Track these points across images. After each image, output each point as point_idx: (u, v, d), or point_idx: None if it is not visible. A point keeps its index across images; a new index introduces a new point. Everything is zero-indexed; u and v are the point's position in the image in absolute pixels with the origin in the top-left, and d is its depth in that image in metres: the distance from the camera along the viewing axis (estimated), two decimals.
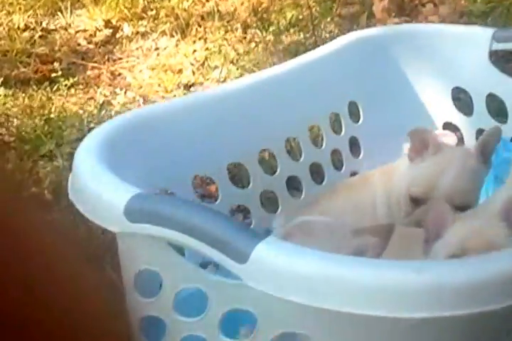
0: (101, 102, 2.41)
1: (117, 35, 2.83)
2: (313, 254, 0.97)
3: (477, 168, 1.55)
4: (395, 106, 1.91)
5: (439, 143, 1.57)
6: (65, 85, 2.49)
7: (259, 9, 2.88)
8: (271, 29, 2.76)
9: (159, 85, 2.52)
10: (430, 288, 0.94)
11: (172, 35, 2.79)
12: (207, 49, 2.71)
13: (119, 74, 2.62)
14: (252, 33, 2.77)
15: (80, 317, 0.35)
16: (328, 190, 1.72)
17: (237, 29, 2.78)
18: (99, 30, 2.84)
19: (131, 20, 2.88)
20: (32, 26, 2.82)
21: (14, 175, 0.43)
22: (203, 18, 2.87)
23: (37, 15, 2.87)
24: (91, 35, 2.83)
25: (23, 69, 2.59)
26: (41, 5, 2.92)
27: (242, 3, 2.92)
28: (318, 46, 2.67)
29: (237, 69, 2.57)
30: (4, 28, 2.79)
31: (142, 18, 2.91)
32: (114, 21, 2.87)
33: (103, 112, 2.33)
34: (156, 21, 2.88)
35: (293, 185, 1.79)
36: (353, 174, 1.88)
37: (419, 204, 1.52)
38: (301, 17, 2.85)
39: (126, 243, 1.13)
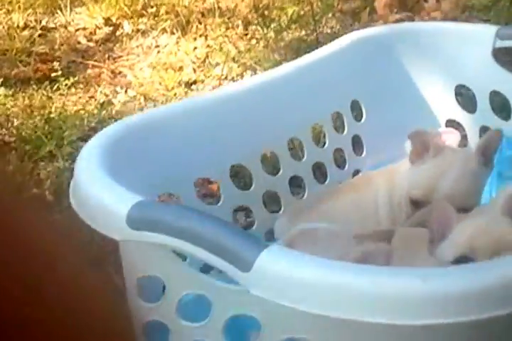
0: (101, 101, 2.40)
1: (117, 33, 2.81)
2: (317, 262, 0.96)
3: (478, 170, 1.54)
4: (398, 104, 1.90)
5: (440, 145, 1.56)
6: (65, 85, 2.48)
7: (260, 6, 2.86)
8: (272, 26, 2.74)
9: (160, 83, 2.50)
10: (435, 295, 0.93)
11: (172, 33, 2.78)
12: (208, 46, 2.69)
13: (120, 73, 2.61)
14: (253, 29, 2.75)
15: (82, 317, 0.35)
16: (330, 190, 1.72)
17: (238, 26, 2.77)
18: (99, 28, 2.82)
19: (132, 17, 2.87)
20: (31, 25, 2.81)
21: (15, 176, 0.42)
22: (203, 14, 2.85)
23: (36, 13, 2.86)
24: (91, 33, 2.81)
25: (22, 69, 2.57)
26: (41, 3, 2.90)
27: (242, 0, 2.91)
28: (320, 42, 2.68)
29: (238, 66, 2.55)
30: (4, 27, 2.77)
31: (142, 16, 2.89)
32: (114, 19, 2.86)
33: (104, 112, 2.31)
34: (156, 18, 2.87)
35: (295, 182, 1.79)
36: (356, 172, 1.88)
37: (419, 206, 1.52)
38: (302, 13, 2.83)
39: (129, 250, 1.12)
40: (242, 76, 2.53)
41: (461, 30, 1.84)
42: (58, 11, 2.90)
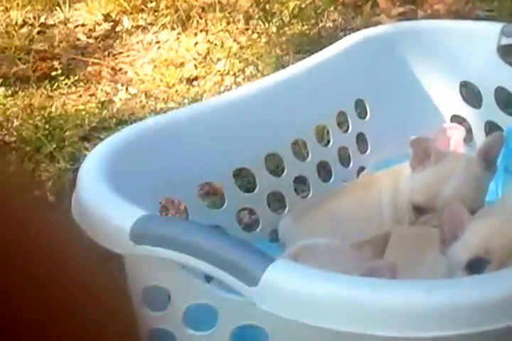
0: (102, 100, 2.38)
1: (117, 29, 2.78)
2: (324, 276, 0.95)
3: (480, 175, 1.54)
4: (402, 101, 1.90)
5: (441, 151, 1.55)
6: (65, 84, 2.45)
7: (261, 0, 2.83)
8: (273, 20, 2.71)
9: (161, 80, 2.48)
10: (443, 307, 0.92)
11: (173, 28, 2.75)
12: (208, 41, 2.67)
13: (120, 70, 2.58)
14: (254, 24, 2.72)
15: (91, 316, 0.35)
16: (335, 190, 1.72)
17: (239, 20, 2.74)
18: (99, 24, 2.79)
19: (131, 13, 2.84)
20: (30, 22, 2.78)
21: (16, 177, 0.42)
22: (203, 9, 2.82)
23: (35, 10, 2.83)
24: (90, 29, 2.78)
25: (22, 67, 2.55)
26: (39, 0, 2.87)
27: None
28: (322, 36, 2.66)
29: (240, 62, 2.53)
30: (2, 25, 2.75)
31: (142, 11, 2.86)
32: (113, 15, 2.83)
33: (105, 112, 2.29)
34: (156, 14, 2.84)
35: (300, 180, 1.77)
36: (361, 169, 1.88)
37: (422, 212, 1.52)
38: (303, 6, 2.80)
39: (133, 262, 1.11)
40: (243, 71, 2.50)
41: (464, 28, 1.84)
42: (57, 8, 2.87)
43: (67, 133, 2.17)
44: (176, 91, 2.43)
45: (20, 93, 2.40)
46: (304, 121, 1.70)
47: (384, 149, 1.88)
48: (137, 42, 2.71)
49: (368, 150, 1.90)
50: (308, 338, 1.02)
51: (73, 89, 2.45)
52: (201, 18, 2.78)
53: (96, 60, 2.62)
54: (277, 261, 0.96)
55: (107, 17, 2.82)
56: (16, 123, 2.24)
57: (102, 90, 2.45)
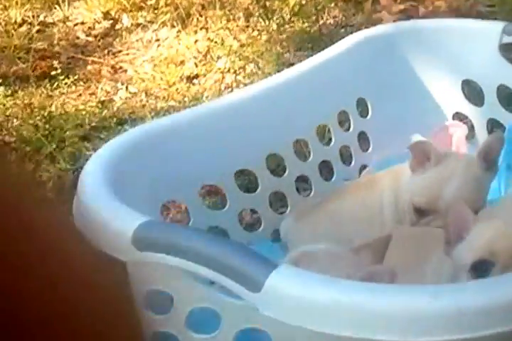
0: (102, 99, 2.36)
1: (116, 27, 2.77)
2: (327, 282, 0.94)
3: (480, 176, 1.53)
4: (404, 100, 1.90)
5: (441, 153, 1.55)
6: (65, 83, 2.44)
7: None
8: (274, 17, 2.70)
9: (161, 79, 2.47)
10: (447, 312, 0.92)
11: (173, 26, 2.73)
12: (208, 39, 2.65)
13: (120, 68, 2.57)
14: (254, 21, 2.71)
15: (97, 316, 0.35)
16: (336, 190, 1.72)
17: (239, 18, 2.72)
18: (98, 23, 2.78)
19: (131, 11, 2.82)
20: (29, 20, 2.76)
21: (16, 177, 0.41)
22: (203, 7, 2.80)
23: (34, 8, 2.81)
24: (90, 27, 2.77)
25: (21, 66, 2.53)
26: None
27: None
28: (323, 34, 2.65)
29: (240, 59, 2.52)
30: (1, 23, 2.73)
31: (141, 9, 2.84)
32: (112, 13, 2.81)
33: (105, 111, 2.28)
34: (155, 11, 2.82)
35: (302, 178, 1.77)
36: (363, 168, 1.88)
37: (423, 214, 1.52)
38: (304, 3, 2.79)
39: (135, 267, 1.10)
40: (244, 69, 2.49)
41: (466, 27, 1.84)
42: (56, 6, 2.85)
43: (67, 133, 2.16)
44: (177, 89, 2.42)
45: (19, 92, 2.39)
46: (305, 121, 1.71)
47: (386, 147, 1.88)
48: (137, 41, 2.70)
49: (370, 149, 1.90)
50: None
51: (73, 88, 2.44)
52: (201, 16, 2.77)
53: (96, 59, 2.60)
54: (280, 267, 0.95)
55: (106, 15, 2.80)
56: (15, 123, 2.23)
57: (102, 89, 2.43)
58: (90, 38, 2.72)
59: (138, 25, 2.77)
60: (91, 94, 2.42)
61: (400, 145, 1.85)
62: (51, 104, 2.32)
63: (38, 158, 2.09)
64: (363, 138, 1.89)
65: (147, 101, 2.36)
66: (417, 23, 1.91)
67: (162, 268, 1.07)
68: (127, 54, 2.64)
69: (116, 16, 2.81)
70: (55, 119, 2.22)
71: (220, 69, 2.51)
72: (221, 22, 2.72)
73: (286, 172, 1.69)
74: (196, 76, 2.50)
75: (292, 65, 2.52)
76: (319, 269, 1.10)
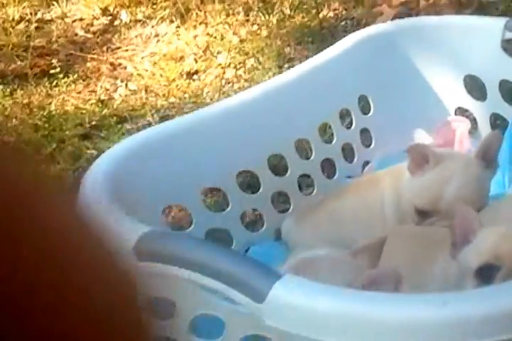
0: (102, 97, 2.35)
1: (115, 23, 2.75)
2: (332, 292, 0.94)
3: (480, 175, 1.53)
4: (407, 96, 1.90)
5: (439, 154, 1.54)
6: (65, 82, 2.43)
7: None
8: (274, 11, 2.68)
9: (161, 75, 2.45)
10: (453, 320, 0.91)
11: (172, 21, 2.72)
12: (208, 34, 2.63)
13: (119, 65, 2.55)
14: (254, 15, 2.69)
15: (99, 286, 0.35)
16: (337, 190, 1.72)
17: (238, 12, 2.70)
18: (97, 19, 2.76)
19: (129, 6, 2.80)
20: (27, 18, 2.75)
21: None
22: (202, 1, 2.78)
23: (32, 5, 2.79)
24: (88, 24, 2.75)
25: (20, 63, 2.52)
26: None
27: None
28: (324, 27, 2.63)
29: (240, 55, 2.50)
30: None
31: (140, 4, 2.82)
32: (111, 8, 2.79)
33: (105, 110, 2.26)
34: (154, 7, 2.80)
35: (304, 176, 1.76)
36: (366, 164, 1.87)
37: (426, 216, 1.51)
38: None
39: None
40: (244, 64, 2.48)
41: (467, 23, 1.83)
42: (54, 3, 2.83)
43: (67, 132, 2.14)
44: (177, 85, 2.40)
45: (18, 91, 2.37)
46: (307, 121, 1.70)
47: (389, 143, 1.88)
48: (136, 37, 2.68)
49: (373, 145, 1.90)
50: None
51: (72, 86, 2.42)
52: (200, 11, 2.75)
53: (95, 56, 2.59)
54: (284, 278, 0.94)
55: (104, 11, 2.78)
56: (14, 122, 2.21)
57: (101, 87, 2.42)
58: (89, 35, 2.70)
59: (137, 21, 2.75)
60: (90, 92, 2.40)
61: (402, 141, 1.85)
62: (50, 103, 2.31)
63: (37, 158, 2.08)
64: (365, 134, 1.88)
65: (147, 98, 2.35)
66: (418, 20, 1.91)
67: (165, 277, 1.06)
68: (126, 50, 2.62)
69: (115, 12, 2.78)
70: (54, 119, 2.21)
71: (220, 64, 2.49)
72: (220, 17, 2.70)
73: (289, 171, 1.69)
74: (196, 72, 2.48)
75: (292, 59, 2.51)
76: (320, 276, 1.10)
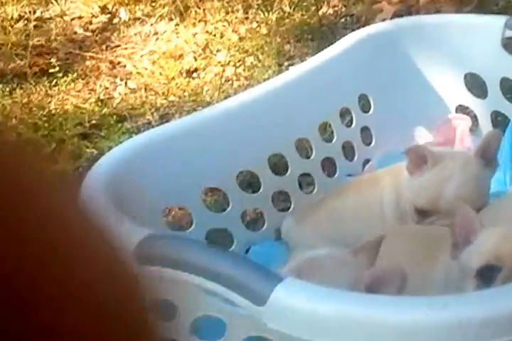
0: (101, 96, 2.34)
1: (114, 21, 2.74)
2: (333, 295, 0.93)
3: (480, 173, 1.53)
4: (407, 94, 1.90)
5: (437, 154, 1.53)
6: (64, 81, 2.42)
7: None
8: (273, 9, 2.67)
9: (160, 74, 2.44)
10: (454, 323, 0.90)
11: (171, 19, 2.71)
12: (207, 32, 2.63)
13: (119, 63, 2.55)
14: (253, 13, 2.68)
15: (100, 279, 0.35)
16: (336, 189, 1.71)
17: (238, 10, 2.69)
18: (95, 17, 2.75)
19: (128, 4, 2.79)
20: (26, 16, 2.74)
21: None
22: None
23: (31, 4, 2.78)
24: (87, 22, 2.74)
25: (19, 62, 2.51)
26: None
27: None
28: (323, 24, 2.62)
29: (240, 53, 2.49)
30: None
31: (139, 2, 2.81)
32: (110, 6, 2.78)
33: (105, 109, 2.26)
34: (153, 4, 2.79)
35: (305, 174, 1.76)
36: (366, 162, 1.87)
37: (426, 215, 1.51)
38: None
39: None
40: (244, 62, 2.47)
41: (467, 22, 1.83)
42: (53, 1, 2.82)
43: (66, 132, 2.14)
44: (176, 84, 2.40)
45: (18, 90, 2.37)
46: (307, 120, 1.70)
47: (390, 141, 1.88)
48: (135, 35, 2.67)
49: (373, 143, 1.89)
50: None
51: (72, 85, 2.41)
52: (199, 8, 2.74)
53: (94, 54, 2.58)
54: (285, 281, 0.94)
55: (103, 9, 2.77)
56: (14, 122, 2.21)
57: (100, 86, 2.41)
58: (88, 33, 2.69)
59: (136, 18, 2.74)
60: (90, 91, 2.39)
61: (403, 139, 1.85)
62: (50, 102, 2.30)
63: (39, 155, 2.07)
64: (365, 132, 1.88)
65: (147, 97, 2.34)
66: (418, 19, 1.91)
67: (166, 280, 1.06)
68: (125, 48, 2.62)
69: (114, 10, 2.78)
70: (54, 118, 2.20)
71: (219, 62, 2.48)
72: (219, 14, 2.69)
73: (289, 171, 1.69)
74: (196, 70, 2.48)
75: (292, 56, 2.51)
76: (324, 276, 1.09)
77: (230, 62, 2.47)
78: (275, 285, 0.94)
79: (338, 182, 1.78)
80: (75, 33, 2.69)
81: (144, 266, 1.03)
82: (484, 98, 1.86)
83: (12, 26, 2.68)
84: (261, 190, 1.64)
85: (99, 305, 0.34)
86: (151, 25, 2.70)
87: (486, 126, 1.88)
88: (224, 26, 2.64)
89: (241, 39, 2.55)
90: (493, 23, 1.75)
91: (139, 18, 2.74)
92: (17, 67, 2.49)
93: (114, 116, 2.22)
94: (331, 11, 2.68)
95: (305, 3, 2.70)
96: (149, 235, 1.04)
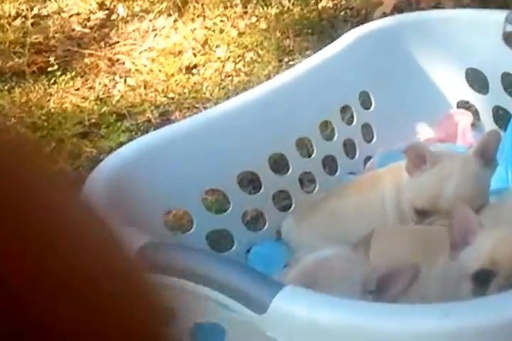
0: (101, 94, 2.33)
1: (112, 17, 2.72)
2: (333, 303, 0.93)
3: (479, 173, 1.52)
4: (408, 90, 1.89)
5: (436, 154, 1.52)
6: (63, 80, 2.41)
7: None
8: (272, 3, 2.65)
9: (160, 70, 2.43)
10: (456, 331, 0.90)
11: (169, 14, 2.69)
12: (206, 28, 2.61)
13: (118, 60, 2.53)
14: (252, 7, 2.66)
15: (102, 275, 0.35)
16: (338, 188, 1.70)
17: (236, 5, 2.68)
18: (93, 13, 2.74)
19: (126, 0, 2.77)
20: (23, 13, 2.72)
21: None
22: None
23: (28, 1, 2.77)
24: (85, 19, 2.72)
25: (17, 60, 2.50)
26: None
27: None
28: (323, 18, 2.60)
29: (240, 49, 2.48)
30: None
31: None
32: (107, 2, 2.76)
33: (104, 108, 2.25)
34: (151, 0, 2.77)
35: (306, 173, 1.75)
36: (368, 159, 1.86)
37: (426, 215, 1.50)
38: None
39: None
40: (243, 57, 2.45)
41: (468, 17, 1.82)
42: None
43: (66, 131, 2.13)
44: (176, 81, 2.39)
45: (16, 89, 2.36)
46: (307, 120, 1.70)
47: (390, 137, 1.87)
48: (133, 31, 2.66)
49: (374, 140, 1.88)
50: None
51: (70, 83, 2.40)
52: (197, 3, 2.72)
53: (92, 52, 2.57)
54: (285, 289, 0.93)
55: (101, 5, 2.76)
56: (13, 121, 2.20)
57: (100, 83, 2.40)
58: (86, 30, 2.68)
59: (134, 14, 2.72)
60: (89, 89, 2.38)
61: (404, 135, 1.85)
62: (49, 100, 2.29)
63: (40, 152, 2.06)
64: (366, 129, 1.87)
65: (146, 94, 2.33)
66: (418, 14, 1.89)
67: (166, 287, 1.05)
68: (124, 45, 2.60)
69: (112, 6, 2.76)
70: (53, 117, 2.19)
71: (219, 58, 2.47)
72: (218, 9, 2.68)
73: (290, 170, 1.68)
74: (195, 66, 2.46)
75: (292, 51, 2.49)
76: (336, 277, 1.09)
77: (229, 57, 2.46)
78: (275, 294, 0.93)
79: (339, 181, 1.78)
80: (73, 30, 2.68)
81: None
82: (486, 93, 1.86)
83: (10, 24, 2.66)
84: (261, 190, 1.63)
85: (102, 301, 0.33)
86: (150, 21, 2.69)
87: (487, 121, 1.87)
88: (223, 21, 2.63)
89: (240, 34, 2.54)
90: (493, 18, 1.73)
91: (137, 14, 2.72)
92: (15, 66, 2.47)
93: (114, 115, 2.21)
94: (330, 4, 2.66)
95: None
96: (148, 242, 1.04)
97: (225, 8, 2.68)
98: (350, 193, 1.64)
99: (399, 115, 1.87)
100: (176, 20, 2.66)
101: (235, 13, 2.65)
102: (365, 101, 1.85)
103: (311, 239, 1.56)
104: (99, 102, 2.28)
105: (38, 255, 0.32)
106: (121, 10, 2.73)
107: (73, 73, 2.44)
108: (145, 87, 2.36)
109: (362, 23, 1.95)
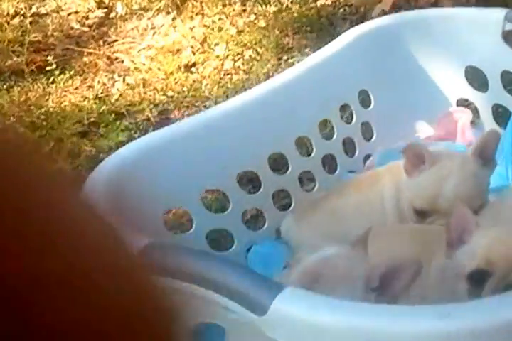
0: (100, 93, 2.33)
1: (111, 16, 2.72)
2: (333, 305, 0.93)
3: (478, 172, 1.52)
4: (408, 88, 1.89)
5: (434, 154, 1.52)
6: (62, 79, 2.40)
7: None
8: (271, 1, 2.65)
9: (159, 69, 2.43)
10: (457, 333, 0.90)
11: (168, 12, 2.69)
12: (205, 26, 2.61)
13: (116, 59, 2.53)
14: (251, 5, 2.66)
15: (101, 272, 0.34)
16: (337, 187, 1.70)
17: (235, 2, 2.67)
18: (92, 11, 2.73)
19: None
20: (22, 12, 2.72)
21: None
22: None
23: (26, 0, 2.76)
24: (83, 17, 2.72)
25: (16, 59, 2.49)
26: None
27: None
28: (322, 16, 2.60)
29: (239, 47, 2.47)
30: None
31: None
32: (106, 0, 2.76)
33: (103, 106, 2.24)
34: None
35: (305, 172, 1.75)
36: (367, 157, 1.86)
37: (426, 215, 1.50)
38: None
39: None
40: (242, 55, 2.45)
41: (468, 15, 1.81)
42: None
43: (65, 130, 2.13)
44: (175, 79, 2.38)
45: (15, 88, 2.35)
46: (307, 118, 1.70)
47: (390, 136, 1.87)
48: (132, 29, 2.65)
49: (374, 138, 1.88)
50: None
51: (69, 82, 2.40)
52: (196, 1, 2.72)
53: (91, 50, 2.56)
54: (285, 290, 0.94)
55: (100, 3, 2.75)
56: (12, 120, 2.20)
57: (98, 82, 2.40)
58: (85, 28, 2.67)
59: (132, 13, 2.72)
60: (88, 88, 2.38)
61: (404, 133, 1.85)
62: (47, 100, 2.29)
63: (40, 151, 2.06)
64: (366, 127, 1.87)
65: (145, 92, 2.33)
66: (418, 12, 1.89)
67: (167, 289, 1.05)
68: (123, 43, 2.60)
69: (110, 4, 2.75)
70: (52, 116, 2.19)
71: (218, 56, 2.47)
72: (217, 7, 2.67)
73: (289, 169, 1.68)
74: (194, 64, 2.46)
75: (291, 49, 2.49)
76: (340, 276, 1.09)
77: (228, 55, 2.45)
78: (276, 295, 0.93)
79: (339, 179, 1.78)
80: (72, 28, 2.67)
81: None
82: (485, 91, 1.86)
83: (8, 23, 2.66)
84: (261, 189, 1.63)
85: (103, 299, 0.33)
86: (148, 19, 2.68)
87: (487, 119, 1.87)
88: (221, 19, 2.62)
89: (239, 32, 2.54)
90: (493, 16, 1.73)
91: (135, 13, 2.72)
92: (14, 65, 2.47)
93: (113, 114, 2.20)
94: (329, 2, 2.66)
95: None
96: (148, 245, 1.04)
97: (224, 6, 2.67)
98: (350, 192, 1.64)
99: (398, 113, 1.87)
100: (174, 19, 2.66)
101: (233, 11, 2.65)
102: (365, 100, 1.85)
103: (311, 237, 1.56)
104: (98, 101, 2.27)
105: (38, 254, 0.32)
106: (120, 8, 2.73)
107: (72, 72, 2.44)
108: (144, 86, 2.36)
109: (361, 21, 1.95)
